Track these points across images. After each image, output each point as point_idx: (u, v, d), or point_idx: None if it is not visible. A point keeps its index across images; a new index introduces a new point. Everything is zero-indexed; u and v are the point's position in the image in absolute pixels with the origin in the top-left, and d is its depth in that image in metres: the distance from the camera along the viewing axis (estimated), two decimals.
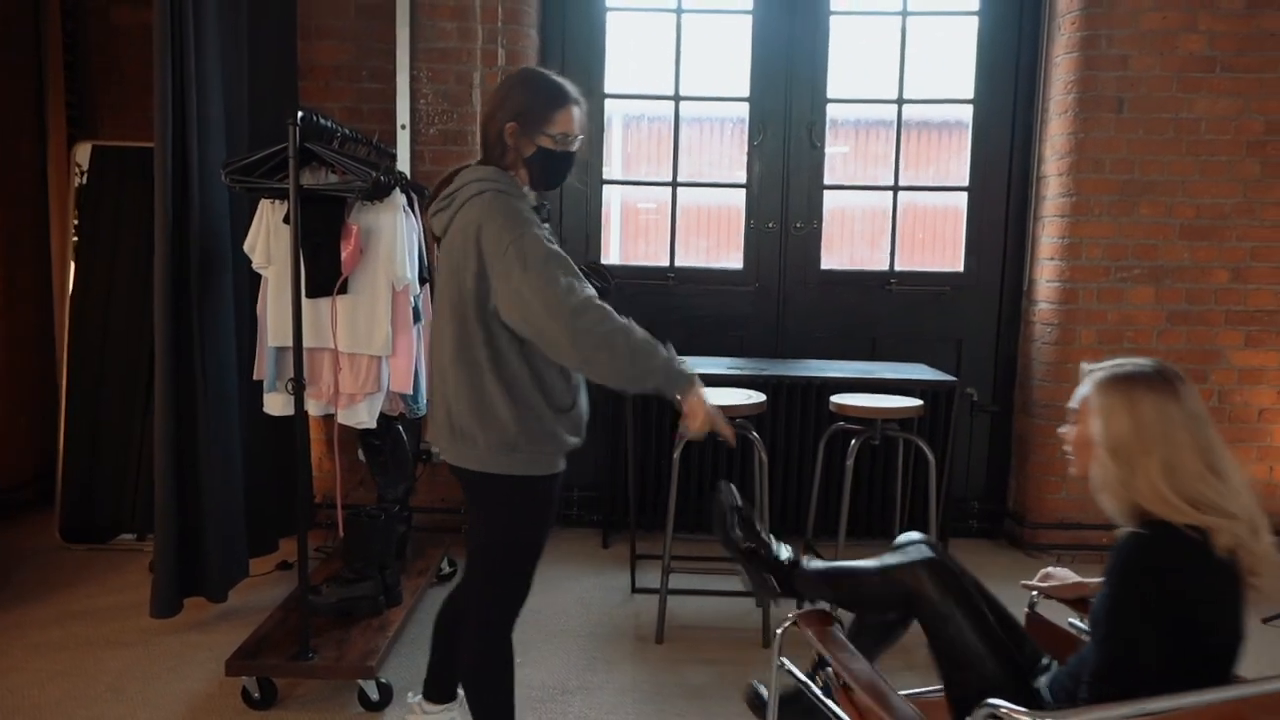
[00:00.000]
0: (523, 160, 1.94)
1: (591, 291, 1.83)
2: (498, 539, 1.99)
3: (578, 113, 1.95)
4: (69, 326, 3.73)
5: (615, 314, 1.81)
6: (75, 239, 3.74)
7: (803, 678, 1.82)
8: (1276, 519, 3.72)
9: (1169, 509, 1.44)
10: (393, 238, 2.77)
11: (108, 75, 4.06)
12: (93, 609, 3.09)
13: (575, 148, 1.98)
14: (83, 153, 3.76)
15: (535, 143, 1.92)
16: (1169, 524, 1.44)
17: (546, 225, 1.98)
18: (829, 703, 1.77)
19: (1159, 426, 1.47)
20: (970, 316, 4.08)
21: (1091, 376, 1.58)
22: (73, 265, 3.74)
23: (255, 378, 3.04)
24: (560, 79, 1.96)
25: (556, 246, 1.86)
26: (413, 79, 3.68)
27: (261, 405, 3.00)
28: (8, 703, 2.49)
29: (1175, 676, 1.37)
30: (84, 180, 3.74)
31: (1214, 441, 1.49)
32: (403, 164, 3.62)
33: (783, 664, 1.84)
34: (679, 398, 1.86)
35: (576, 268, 1.88)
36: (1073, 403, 1.62)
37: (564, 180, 2.04)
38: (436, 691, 2.29)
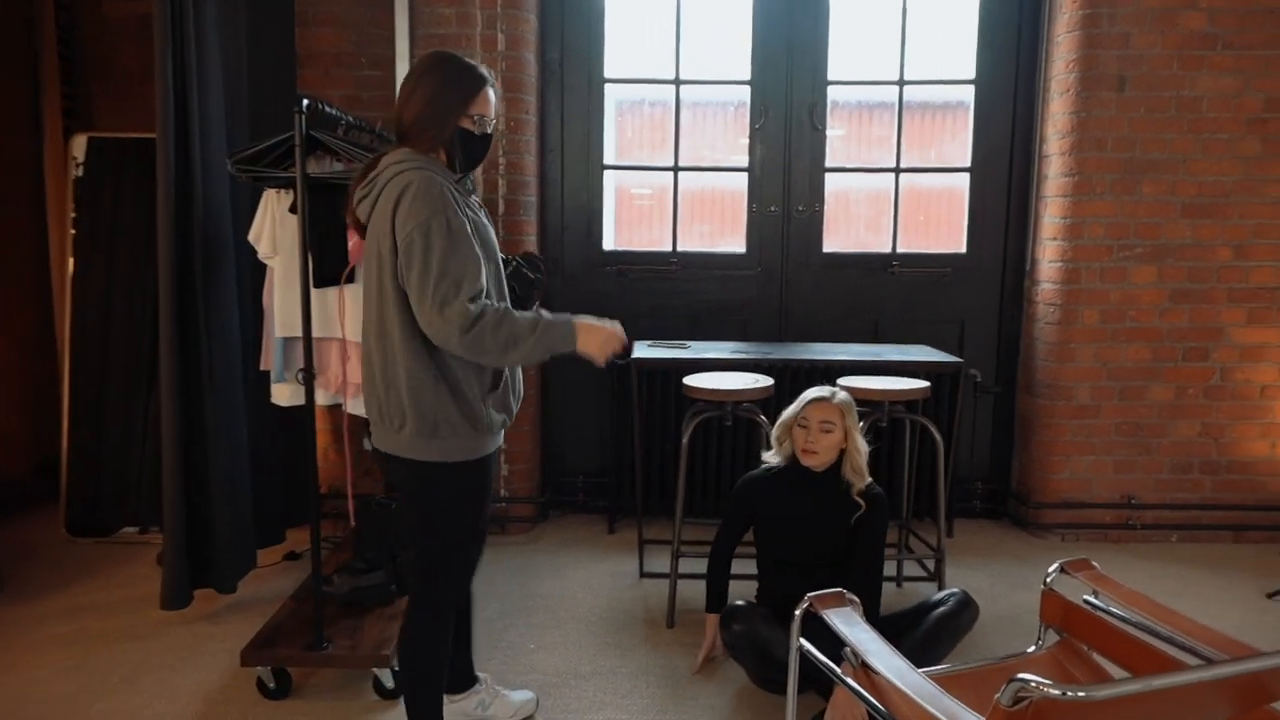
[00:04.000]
0: (441, 142, 1.94)
1: (476, 288, 1.83)
2: (422, 524, 2.02)
3: (492, 95, 1.98)
4: (70, 321, 3.70)
5: (488, 316, 1.82)
6: (74, 232, 3.72)
7: (824, 659, 1.82)
8: (1279, 495, 3.78)
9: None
10: None
11: (103, 67, 4.02)
12: (103, 602, 3.09)
13: (492, 130, 2.00)
14: (79, 145, 3.72)
15: (456, 124, 1.93)
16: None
17: (475, 199, 2.00)
18: (850, 681, 1.78)
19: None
20: (972, 298, 4.08)
21: (838, 398, 2.59)
22: (71, 259, 3.72)
23: (262, 368, 3.03)
24: (473, 61, 1.98)
25: (469, 228, 1.87)
26: None
27: (265, 396, 3.00)
28: (25, 694, 2.49)
29: None
30: (81, 173, 3.71)
31: None
32: None
33: (802, 645, 1.84)
34: (578, 350, 1.92)
35: (494, 255, 1.94)
36: (827, 416, 2.55)
37: (481, 161, 2.05)
38: (451, 683, 2.29)
